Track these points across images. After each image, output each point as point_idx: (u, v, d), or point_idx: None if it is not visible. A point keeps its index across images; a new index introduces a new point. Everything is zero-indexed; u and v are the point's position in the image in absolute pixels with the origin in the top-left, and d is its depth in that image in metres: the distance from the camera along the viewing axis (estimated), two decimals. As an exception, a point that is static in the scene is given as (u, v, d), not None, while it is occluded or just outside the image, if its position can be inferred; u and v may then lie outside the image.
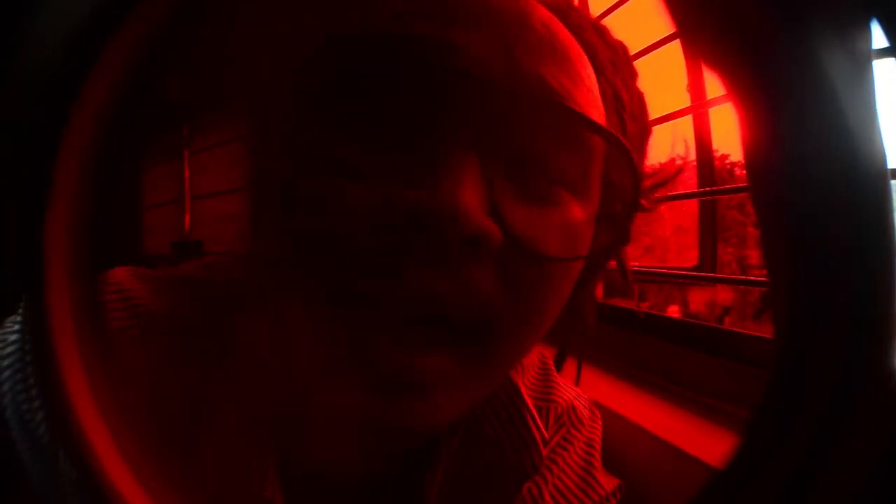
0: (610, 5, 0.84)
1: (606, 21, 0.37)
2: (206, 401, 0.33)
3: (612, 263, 0.41)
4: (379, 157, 0.26)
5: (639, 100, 0.37)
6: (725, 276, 0.96)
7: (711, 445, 0.49)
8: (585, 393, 0.48)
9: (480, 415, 0.39)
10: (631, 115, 0.35)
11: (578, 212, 0.30)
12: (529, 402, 0.39)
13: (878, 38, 0.19)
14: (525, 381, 0.44)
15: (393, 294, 0.26)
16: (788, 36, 0.18)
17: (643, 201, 0.40)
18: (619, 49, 0.36)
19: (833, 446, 0.19)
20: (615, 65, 0.34)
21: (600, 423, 0.48)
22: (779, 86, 0.19)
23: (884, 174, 0.19)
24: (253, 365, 0.34)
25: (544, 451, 0.38)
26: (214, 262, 0.39)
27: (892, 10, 0.18)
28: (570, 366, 0.48)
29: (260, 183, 0.31)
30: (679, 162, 0.43)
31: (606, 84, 0.32)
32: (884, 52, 0.20)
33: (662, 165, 0.43)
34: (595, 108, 0.31)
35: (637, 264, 0.91)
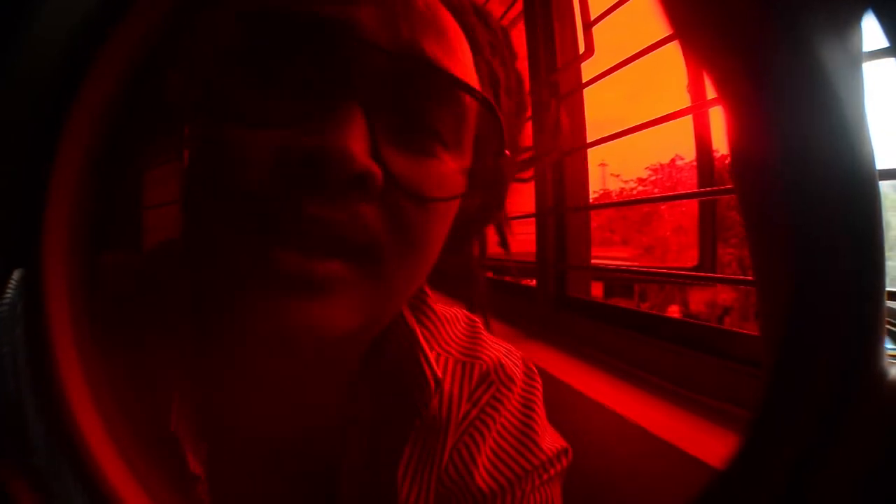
0: (610, 5, 0.84)
1: (606, 21, 0.38)
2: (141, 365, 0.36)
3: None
4: (279, 112, 0.32)
5: (517, 79, 0.42)
6: (725, 276, 0.96)
7: (711, 445, 0.49)
8: (519, 351, 0.49)
9: (382, 357, 0.42)
10: (507, 91, 0.40)
11: (451, 163, 0.35)
12: (425, 345, 0.42)
13: (880, 39, 0.19)
14: (446, 335, 0.46)
15: (292, 218, 0.30)
16: (781, 30, 0.18)
17: (520, 174, 0.46)
18: (498, 32, 0.41)
19: (832, 446, 0.19)
20: (493, 46, 0.39)
21: (539, 381, 0.49)
22: (770, 82, 0.19)
23: (873, 174, 0.19)
24: (174, 322, 0.37)
25: (434, 390, 0.40)
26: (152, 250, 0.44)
27: (890, 10, 0.18)
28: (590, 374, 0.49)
29: (189, 140, 0.36)
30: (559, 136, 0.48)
31: (483, 63, 0.38)
32: (884, 52, 0.20)
33: (538, 140, 0.47)
34: (467, 76, 0.36)
35: (637, 264, 0.91)
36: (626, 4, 0.81)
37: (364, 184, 0.31)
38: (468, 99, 0.35)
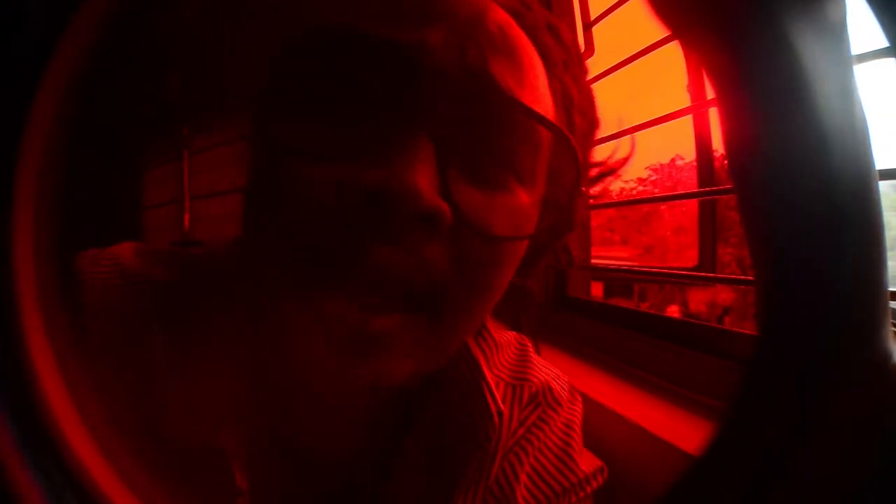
0: (610, 5, 0.84)
1: (606, 21, 0.38)
2: (180, 367, 0.36)
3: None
4: (340, 143, 0.29)
5: (588, 96, 0.40)
6: (725, 276, 0.96)
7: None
8: (566, 376, 0.49)
9: (444, 387, 0.41)
10: (580, 111, 0.38)
11: (524, 196, 0.33)
12: (489, 377, 0.41)
13: (880, 39, 0.19)
14: (500, 359, 0.46)
15: (351, 265, 0.28)
16: (758, 15, 0.18)
17: (588, 189, 0.44)
18: (570, 48, 0.39)
19: (807, 437, 0.19)
20: (566, 64, 0.37)
21: (580, 405, 0.49)
22: (754, 72, 0.19)
23: (868, 171, 0.19)
24: (230, 333, 0.36)
25: (497, 423, 0.40)
26: (214, 245, 0.43)
27: (890, 9, 0.18)
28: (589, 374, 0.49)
29: (247, 174, 0.34)
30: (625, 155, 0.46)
31: (557, 82, 0.36)
32: (885, 53, 0.20)
33: (607, 157, 0.45)
34: (541, 104, 0.34)
35: (637, 264, 0.91)
36: (626, 4, 0.81)
37: (432, 223, 0.29)
38: (542, 129, 0.33)
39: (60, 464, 0.20)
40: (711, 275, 0.81)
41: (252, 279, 0.33)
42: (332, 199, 0.28)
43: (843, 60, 0.19)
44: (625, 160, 0.45)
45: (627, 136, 0.43)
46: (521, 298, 0.43)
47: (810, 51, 0.18)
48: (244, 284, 0.36)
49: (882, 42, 0.19)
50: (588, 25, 0.91)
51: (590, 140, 0.41)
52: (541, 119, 0.32)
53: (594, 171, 0.44)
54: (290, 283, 0.30)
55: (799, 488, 0.19)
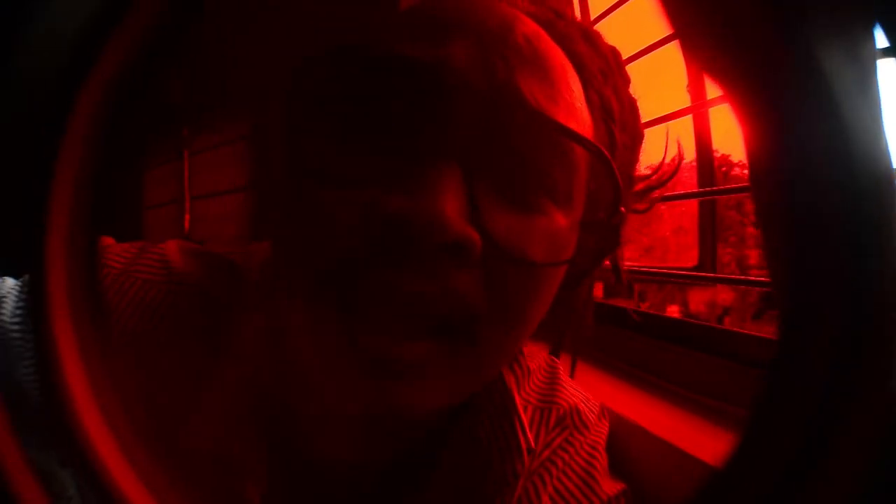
0: (610, 5, 0.84)
1: (606, 21, 0.37)
2: (205, 376, 0.35)
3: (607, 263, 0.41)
4: (363, 167, 0.28)
5: (630, 107, 0.37)
6: (725, 276, 0.96)
7: (711, 445, 0.49)
8: (597, 400, 0.48)
9: (474, 416, 0.40)
10: (621, 125, 0.36)
11: (561, 219, 0.31)
12: (521, 409, 0.40)
13: (880, 39, 0.19)
14: (529, 384, 0.45)
15: (379, 295, 0.27)
16: (789, 39, 0.18)
17: (638, 205, 0.41)
18: (609, 57, 0.36)
19: (830, 445, 0.19)
20: (605, 74, 0.35)
21: (606, 426, 0.48)
22: (779, 92, 0.19)
23: (889, 177, 0.19)
24: (253, 351, 0.36)
25: (527, 461, 0.39)
26: (251, 255, 0.42)
27: (890, 10, 0.18)
28: (589, 374, 0.49)
29: (258, 185, 0.33)
30: (672, 162, 0.43)
31: (595, 94, 0.34)
32: (885, 52, 0.20)
33: (656, 168, 0.42)
34: (576, 120, 0.32)
35: (637, 264, 0.91)
36: (626, 4, 0.81)
37: (460, 252, 0.27)
38: (578, 147, 0.31)
39: (85, 465, 0.21)
40: (711, 275, 0.81)
41: (279, 300, 0.32)
42: (358, 227, 0.27)
43: (864, 59, 0.19)
44: (672, 171, 0.42)
45: (671, 143, 0.41)
46: (568, 319, 0.42)
47: (830, 52, 0.18)
48: (271, 302, 0.36)
49: (882, 42, 0.19)
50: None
51: (633, 154, 0.39)
52: (575, 136, 0.30)
53: (640, 186, 0.42)
54: (319, 316, 0.29)
55: (822, 498, 0.19)
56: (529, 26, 0.31)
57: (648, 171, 0.42)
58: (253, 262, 0.40)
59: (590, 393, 0.48)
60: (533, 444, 0.40)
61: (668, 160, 0.41)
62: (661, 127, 0.77)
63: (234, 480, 0.33)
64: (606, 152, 0.31)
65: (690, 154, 0.81)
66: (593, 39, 0.36)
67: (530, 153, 0.30)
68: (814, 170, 0.19)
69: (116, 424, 0.21)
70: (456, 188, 0.27)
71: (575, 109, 0.32)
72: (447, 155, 0.27)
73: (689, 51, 0.23)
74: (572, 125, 0.31)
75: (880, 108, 0.19)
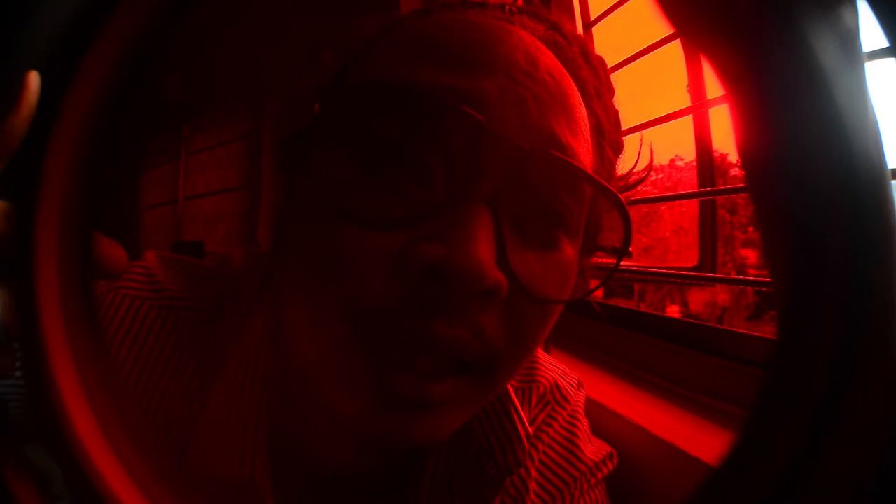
0: (610, 5, 0.84)
1: (605, 21, 0.37)
2: (207, 383, 0.35)
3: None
4: (394, 207, 0.28)
5: (615, 120, 0.39)
6: (725, 276, 0.96)
7: (711, 445, 0.49)
8: (575, 373, 0.50)
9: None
10: (610, 142, 0.37)
11: (570, 251, 0.32)
12: (516, 400, 0.41)
13: (880, 39, 0.19)
14: None
15: (409, 336, 0.28)
16: (777, 21, 0.18)
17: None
18: (599, 69, 0.37)
19: (829, 446, 0.19)
20: (598, 91, 0.36)
21: (583, 395, 0.49)
22: (770, 74, 0.19)
23: (881, 163, 0.19)
24: (255, 363, 0.35)
25: (526, 446, 0.40)
26: (228, 255, 0.42)
27: (890, 9, 0.18)
28: (589, 374, 0.49)
29: (286, 216, 0.33)
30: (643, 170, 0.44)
31: (592, 115, 0.35)
32: (885, 53, 0.20)
33: (626, 175, 0.43)
34: (588, 154, 0.33)
35: (637, 264, 0.91)
36: (626, 4, 0.81)
37: (493, 297, 0.28)
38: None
39: (85, 484, 0.20)
40: (711, 275, 0.81)
41: (293, 325, 0.32)
42: (391, 275, 0.27)
43: (857, 60, 0.19)
44: (645, 173, 0.43)
45: (643, 145, 0.41)
46: None
47: (825, 48, 0.18)
48: (273, 311, 0.35)
49: (882, 42, 0.19)
50: (588, 25, 0.91)
51: (614, 166, 0.40)
52: (600, 186, 0.31)
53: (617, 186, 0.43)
54: (347, 356, 0.29)
55: (820, 495, 0.19)
56: (549, 59, 0.32)
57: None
58: (243, 269, 0.40)
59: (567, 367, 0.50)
60: (530, 430, 0.41)
61: (640, 165, 0.42)
62: (661, 127, 0.77)
63: (239, 495, 0.33)
64: (616, 191, 0.32)
65: (690, 154, 0.81)
66: (587, 54, 0.36)
67: (555, 194, 0.30)
68: (806, 155, 0.19)
69: (110, 429, 0.21)
70: (487, 232, 0.27)
71: (588, 143, 0.33)
72: (479, 197, 0.27)
73: (682, 35, 0.23)
74: (586, 160, 0.32)
75: (867, 89, 0.19)
